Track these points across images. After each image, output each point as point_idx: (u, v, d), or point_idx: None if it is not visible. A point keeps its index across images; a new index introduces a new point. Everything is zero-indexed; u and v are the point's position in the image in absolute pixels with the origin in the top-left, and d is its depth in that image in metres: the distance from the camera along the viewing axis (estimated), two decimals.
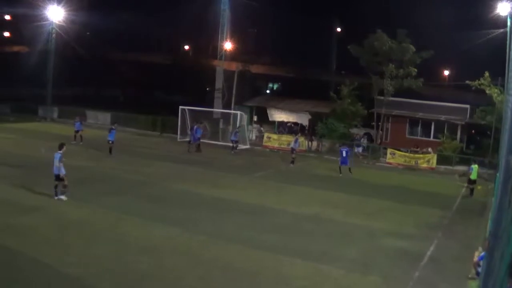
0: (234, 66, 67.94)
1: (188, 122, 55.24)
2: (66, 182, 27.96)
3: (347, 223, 26.43)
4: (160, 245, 21.69)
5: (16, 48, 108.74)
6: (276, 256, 20.71)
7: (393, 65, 51.33)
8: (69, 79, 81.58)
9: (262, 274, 18.82)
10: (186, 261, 20.09)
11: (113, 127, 45.46)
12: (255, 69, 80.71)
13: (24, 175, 33.46)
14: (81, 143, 47.25)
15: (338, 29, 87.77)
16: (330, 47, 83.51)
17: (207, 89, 77.14)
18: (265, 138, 54.98)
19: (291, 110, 57.60)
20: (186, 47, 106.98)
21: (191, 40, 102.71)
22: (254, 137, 57.88)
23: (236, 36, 69.64)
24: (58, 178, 28.03)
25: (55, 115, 74.96)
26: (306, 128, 56.57)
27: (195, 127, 49.36)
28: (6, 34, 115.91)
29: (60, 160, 27.99)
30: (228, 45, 66.59)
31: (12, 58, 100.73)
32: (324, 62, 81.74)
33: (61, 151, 28.32)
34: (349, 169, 40.79)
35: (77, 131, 49.12)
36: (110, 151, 43.18)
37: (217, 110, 61.16)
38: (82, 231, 23.13)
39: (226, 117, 58.96)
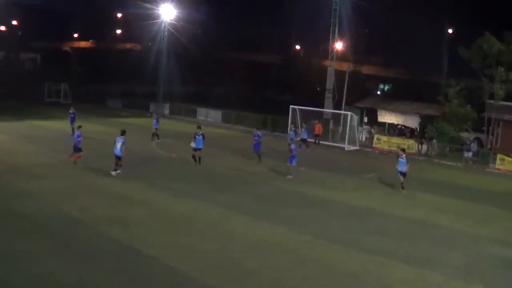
0: (345, 67, 68.03)
1: (298, 121, 55.80)
2: (120, 163, 33.09)
3: (453, 228, 26.48)
4: (266, 243, 22.47)
5: (128, 45, 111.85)
6: (379, 259, 21.09)
7: (503, 69, 50.25)
8: (180, 77, 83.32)
9: (365, 277, 19.23)
10: (290, 260, 20.75)
11: (198, 133, 38.03)
12: (366, 69, 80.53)
13: (133, 170, 34.78)
14: (158, 141, 47.82)
15: (450, 30, 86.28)
16: (441, 48, 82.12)
17: (318, 89, 77.38)
18: (375, 139, 54.99)
19: (401, 112, 57.28)
20: (297, 46, 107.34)
21: (302, 40, 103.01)
22: (364, 139, 57.92)
23: (347, 36, 69.59)
24: (118, 158, 32.98)
25: (166, 111, 76.86)
26: (416, 130, 56.02)
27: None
28: (118, 31, 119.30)
29: (123, 145, 32.82)
30: (339, 45, 66.69)
31: (124, 55, 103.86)
32: (435, 63, 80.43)
33: (123, 137, 33.12)
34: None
35: (156, 129, 48.75)
36: (199, 160, 37.87)
37: (328, 110, 61.54)
38: (187, 225, 24.25)
39: (336, 117, 59.21)
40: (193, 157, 37.97)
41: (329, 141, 55.49)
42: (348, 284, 18.78)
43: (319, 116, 57.91)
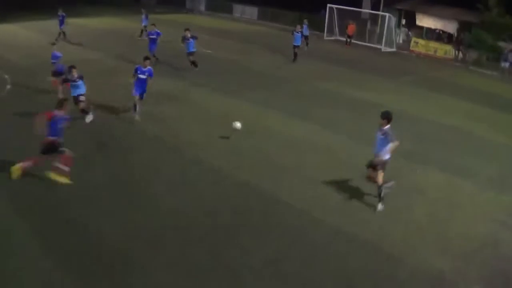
0: None
1: (336, 21, 55.45)
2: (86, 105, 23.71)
3: (488, 138, 26.31)
4: (301, 141, 23.28)
5: None
6: (412, 164, 21.36)
7: None
8: None
9: (399, 181, 19.01)
10: (324, 158, 21.53)
11: (188, 36, 34.45)
12: None
13: (170, 66, 34.75)
14: (139, 38, 45.92)
15: None
16: None
17: None
18: (412, 42, 54.42)
19: (440, 17, 56.13)
20: None
21: None
22: (401, 41, 57.27)
23: None
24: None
25: (202, 7, 76.03)
26: (454, 36, 55.08)
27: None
28: None
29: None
30: None
31: None
32: None
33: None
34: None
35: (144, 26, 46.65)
36: (195, 64, 34.92)
37: (365, 10, 60.48)
38: (224, 122, 24.38)
39: (374, 18, 58.40)
40: (192, 62, 34.76)
41: (365, 42, 55.00)
42: None
43: (356, 16, 57.19)
